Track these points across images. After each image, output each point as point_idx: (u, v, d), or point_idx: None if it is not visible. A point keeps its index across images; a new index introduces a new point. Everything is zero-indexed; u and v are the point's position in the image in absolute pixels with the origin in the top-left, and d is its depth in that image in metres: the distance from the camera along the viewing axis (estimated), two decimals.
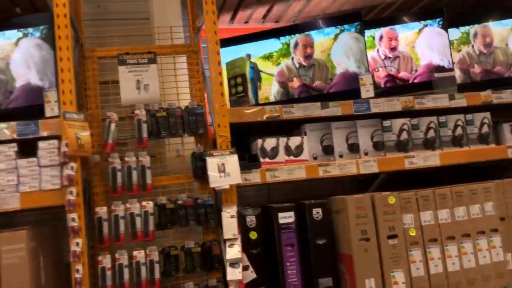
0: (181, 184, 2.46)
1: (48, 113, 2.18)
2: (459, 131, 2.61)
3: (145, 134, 2.33)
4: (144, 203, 2.28)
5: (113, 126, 2.31)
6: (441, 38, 2.75)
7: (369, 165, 2.38)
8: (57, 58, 2.10)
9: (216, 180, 2.12)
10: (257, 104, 2.47)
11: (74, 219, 2.02)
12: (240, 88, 2.42)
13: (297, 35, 2.58)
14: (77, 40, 2.50)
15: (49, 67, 2.26)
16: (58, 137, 2.10)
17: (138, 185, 2.31)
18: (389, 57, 2.77)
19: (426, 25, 2.76)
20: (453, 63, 2.75)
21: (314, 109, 2.37)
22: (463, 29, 2.89)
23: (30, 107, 2.25)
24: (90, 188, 2.39)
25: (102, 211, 2.26)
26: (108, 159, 2.32)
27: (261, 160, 2.29)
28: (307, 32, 2.59)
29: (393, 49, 2.76)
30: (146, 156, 2.34)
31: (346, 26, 2.56)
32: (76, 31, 2.46)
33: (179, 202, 2.33)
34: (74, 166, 2.05)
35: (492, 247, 2.40)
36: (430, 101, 2.55)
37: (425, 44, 2.76)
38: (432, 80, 2.69)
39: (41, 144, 2.11)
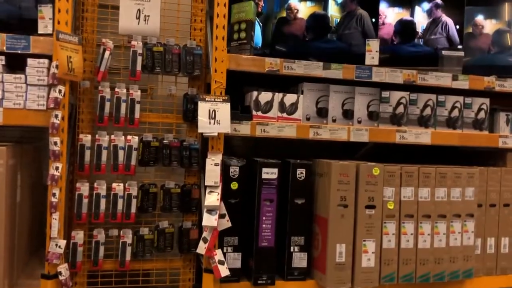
0: (170, 124, 2.42)
1: (41, 30, 2.08)
2: (455, 113, 2.58)
3: (139, 67, 2.26)
4: (129, 137, 2.25)
5: (107, 53, 2.22)
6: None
7: (360, 133, 2.35)
8: None
9: (205, 126, 2.09)
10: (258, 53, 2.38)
11: (57, 143, 1.98)
12: (243, 35, 2.33)
13: None
14: None
15: None
16: (49, 57, 2.02)
17: (125, 118, 2.27)
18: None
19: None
20: (463, 43, 2.67)
21: (315, 68, 2.31)
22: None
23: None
24: (76, 114, 2.34)
25: (86, 138, 2.22)
26: (98, 87, 2.25)
27: (254, 113, 2.25)
28: None
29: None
30: (138, 90, 2.28)
31: None
32: None
33: (165, 141, 2.31)
34: (62, 90, 1.99)
35: (465, 231, 2.44)
36: (433, 78, 2.50)
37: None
38: (439, 57, 2.62)
39: (30, 61, 2.03)
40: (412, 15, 2.66)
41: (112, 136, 2.24)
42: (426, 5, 2.66)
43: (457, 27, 2.65)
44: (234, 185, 2.22)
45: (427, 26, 2.67)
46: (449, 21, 2.66)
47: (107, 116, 2.25)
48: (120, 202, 2.24)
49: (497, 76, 2.61)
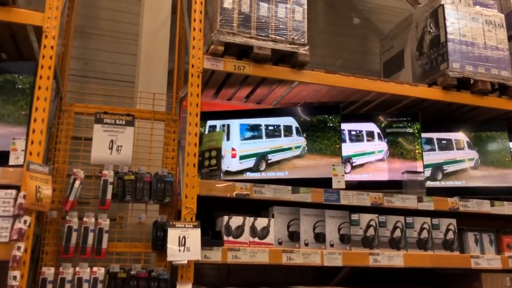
0: (138, 253, 2.35)
1: (12, 161, 2.09)
2: (424, 234, 2.61)
3: (109, 196, 2.25)
4: (95, 268, 2.15)
5: (77, 183, 2.23)
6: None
7: (334, 257, 2.33)
8: (32, 107, 2.07)
9: (174, 253, 2.03)
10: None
11: (16, 277, 1.87)
12: (213, 161, 2.40)
13: None
14: (58, 92, 2.49)
15: None
16: (17, 188, 2.00)
17: (92, 248, 2.20)
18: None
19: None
20: (423, 167, 2.81)
21: (285, 192, 2.35)
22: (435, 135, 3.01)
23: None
24: (40, 246, 2.26)
25: (48, 272, 2.12)
26: (66, 217, 2.21)
27: (225, 238, 2.22)
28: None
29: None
30: (106, 219, 2.25)
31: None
32: (58, 84, 2.46)
33: (132, 272, 2.21)
34: (27, 220, 1.94)
35: None
36: (399, 201, 2.57)
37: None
38: (402, 180, 2.73)
39: None
40: None
41: (77, 268, 2.14)
42: None
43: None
44: None
45: None
46: None
47: (73, 247, 2.18)
48: None
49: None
